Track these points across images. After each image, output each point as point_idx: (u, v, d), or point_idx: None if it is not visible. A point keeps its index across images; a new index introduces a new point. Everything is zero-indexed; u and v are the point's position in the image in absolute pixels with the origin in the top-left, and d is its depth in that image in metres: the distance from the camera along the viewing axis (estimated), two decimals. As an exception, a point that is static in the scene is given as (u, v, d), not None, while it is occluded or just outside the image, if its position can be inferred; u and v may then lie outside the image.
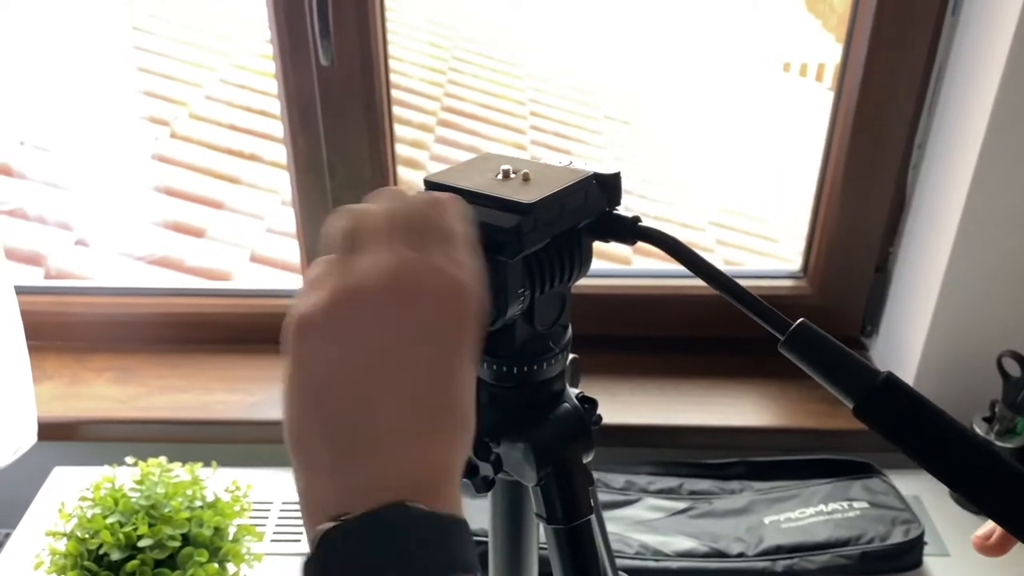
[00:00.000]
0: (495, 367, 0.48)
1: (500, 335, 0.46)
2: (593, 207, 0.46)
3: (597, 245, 0.48)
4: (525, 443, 0.47)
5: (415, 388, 0.35)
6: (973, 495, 0.39)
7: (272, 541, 0.98)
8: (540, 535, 0.55)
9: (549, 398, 0.50)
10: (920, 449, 0.39)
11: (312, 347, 0.35)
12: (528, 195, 0.43)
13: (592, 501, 0.50)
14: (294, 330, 0.36)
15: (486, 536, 0.58)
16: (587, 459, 0.50)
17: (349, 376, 0.34)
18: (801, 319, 0.41)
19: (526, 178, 0.45)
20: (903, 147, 1.06)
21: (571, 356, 0.51)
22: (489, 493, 0.50)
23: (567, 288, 0.48)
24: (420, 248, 0.37)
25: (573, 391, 0.51)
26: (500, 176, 0.45)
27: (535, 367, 0.48)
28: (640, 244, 0.46)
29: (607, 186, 0.47)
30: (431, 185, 0.45)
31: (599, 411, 0.52)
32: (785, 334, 0.41)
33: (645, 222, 0.46)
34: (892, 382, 0.39)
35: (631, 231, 0.46)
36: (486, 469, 0.47)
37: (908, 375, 1.08)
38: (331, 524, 0.32)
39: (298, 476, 0.35)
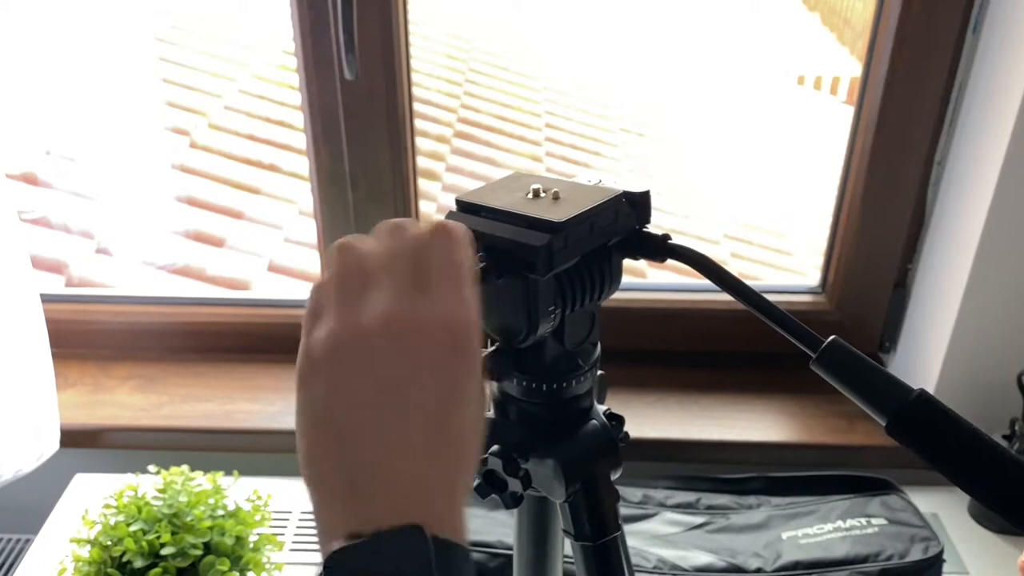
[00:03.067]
0: (524, 383, 0.48)
1: (530, 352, 0.46)
2: (623, 225, 0.46)
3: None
4: (554, 459, 0.48)
5: (412, 425, 0.36)
6: (1010, 513, 0.38)
7: (292, 550, 0.99)
8: (565, 549, 0.55)
9: (577, 415, 0.50)
10: (954, 467, 0.39)
11: (315, 387, 0.37)
12: (559, 213, 0.43)
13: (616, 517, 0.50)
14: (299, 369, 0.37)
15: (510, 550, 0.58)
16: (615, 476, 0.50)
17: (348, 414, 0.36)
18: (833, 336, 0.42)
19: (556, 197, 0.45)
20: (923, 164, 1.06)
21: (598, 372, 0.51)
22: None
23: (597, 306, 0.48)
24: (423, 287, 0.37)
25: (600, 408, 0.52)
26: (530, 195, 0.46)
27: (564, 384, 0.48)
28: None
29: (637, 204, 0.47)
30: (463, 205, 0.46)
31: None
32: (817, 351, 0.41)
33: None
34: (925, 399, 0.39)
35: (661, 249, 0.46)
36: (515, 485, 0.48)
37: (927, 392, 1.08)
38: (335, 548, 0.34)
39: (310, 500, 0.37)
